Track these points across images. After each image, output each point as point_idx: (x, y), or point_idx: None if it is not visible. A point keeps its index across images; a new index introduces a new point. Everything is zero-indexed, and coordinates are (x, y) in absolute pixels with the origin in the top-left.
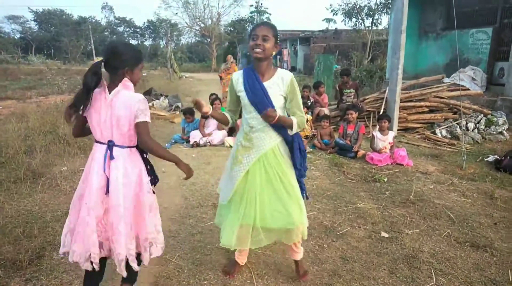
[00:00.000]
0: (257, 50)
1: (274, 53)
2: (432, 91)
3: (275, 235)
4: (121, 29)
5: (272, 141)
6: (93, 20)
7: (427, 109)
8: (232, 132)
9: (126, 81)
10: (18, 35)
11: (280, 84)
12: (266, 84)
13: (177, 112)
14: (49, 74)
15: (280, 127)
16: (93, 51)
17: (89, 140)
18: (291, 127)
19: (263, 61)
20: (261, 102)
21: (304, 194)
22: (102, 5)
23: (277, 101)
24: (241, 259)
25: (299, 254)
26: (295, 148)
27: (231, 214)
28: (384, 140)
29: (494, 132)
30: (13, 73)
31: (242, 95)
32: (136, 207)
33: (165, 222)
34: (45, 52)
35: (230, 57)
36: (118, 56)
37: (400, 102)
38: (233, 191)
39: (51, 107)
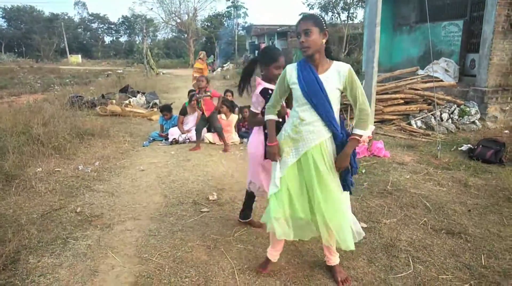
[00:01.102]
0: (304, 48)
1: (324, 41)
2: (407, 83)
3: (317, 230)
4: (95, 25)
5: (321, 136)
6: (66, 17)
7: (403, 101)
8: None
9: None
10: None
11: (336, 77)
12: (321, 76)
13: (155, 109)
14: (21, 73)
15: (331, 122)
16: (67, 49)
17: (63, 140)
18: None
19: (314, 55)
20: (316, 95)
21: (349, 190)
22: (75, 1)
23: (333, 95)
24: (275, 256)
25: (332, 259)
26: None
27: (283, 205)
28: None
29: (467, 122)
30: None
31: (296, 87)
32: None
33: (145, 221)
34: (16, 50)
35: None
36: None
37: (376, 94)
38: (280, 182)
39: (24, 107)
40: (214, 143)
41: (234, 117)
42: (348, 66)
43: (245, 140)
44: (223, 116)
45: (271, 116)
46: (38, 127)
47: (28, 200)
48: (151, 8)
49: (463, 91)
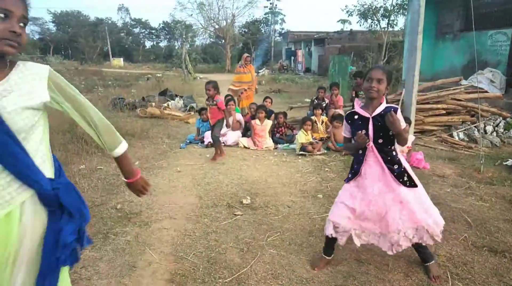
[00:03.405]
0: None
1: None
2: (450, 93)
3: None
4: (136, 30)
5: (9, 201)
6: (110, 22)
7: (444, 112)
8: (246, 132)
9: None
10: (37, 36)
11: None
12: None
13: (192, 113)
14: (67, 75)
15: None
16: (109, 52)
17: None
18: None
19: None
20: None
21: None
22: (118, 6)
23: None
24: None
25: None
26: None
27: None
28: None
29: None
30: None
31: None
32: None
33: (181, 221)
34: (63, 53)
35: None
36: None
37: (417, 104)
38: None
39: None
40: (248, 148)
41: (268, 123)
42: (47, 66)
43: (279, 145)
44: (257, 121)
45: None
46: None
47: None
48: (191, 14)
49: (510, 103)
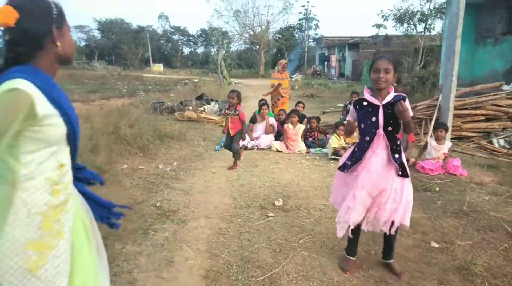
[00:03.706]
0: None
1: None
2: (489, 98)
3: None
4: (175, 37)
5: None
6: (151, 29)
7: (483, 118)
8: (279, 136)
9: None
10: (83, 43)
11: None
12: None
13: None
14: (111, 79)
15: None
16: (150, 58)
17: (147, 141)
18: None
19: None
20: None
21: None
22: (159, 14)
23: None
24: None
25: None
26: None
27: None
28: (439, 149)
29: None
30: (79, 78)
31: None
32: None
33: (215, 220)
34: (106, 58)
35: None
36: None
37: (454, 109)
38: None
39: (113, 110)
40: (281, 151)
41: (301, 127)
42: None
43: (311, 149)
44: (290, 125)
45: None
46: (125, 128)
47: (115, 192)
48: (227, 22)
49: None
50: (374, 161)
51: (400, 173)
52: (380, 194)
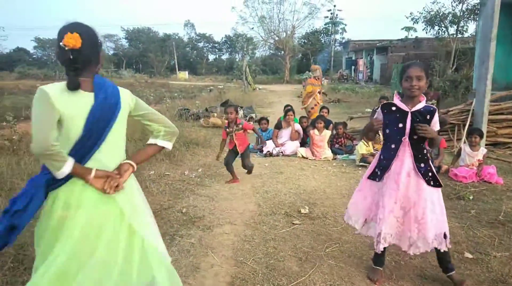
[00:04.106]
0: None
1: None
2: None
3: None
4: (201, 44)
5: None
6: (177, 37)
7: None
8: (304, 143)
9: None
10: (111, 52)
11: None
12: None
13: (251, 123)
14: (138, 87)
15: None
16: (176, 66)
17: (173, 148)
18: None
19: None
20: None
21: None
22: (185, 22)
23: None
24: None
25: None
26: None
27: None
28: (474, 156)
29: None
30: None
31: None
32: None
33: (240, 227)
34: (134, 66)
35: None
36: None
37: (489, 114)
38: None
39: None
40: (307, 158)
41: (327, 133)
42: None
43: (338, 156)
44: (316, 131)
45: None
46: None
47: None
48: (252, 28)
49: None
50: (401, 170)
51: (432, 183)
52: (414, 207)
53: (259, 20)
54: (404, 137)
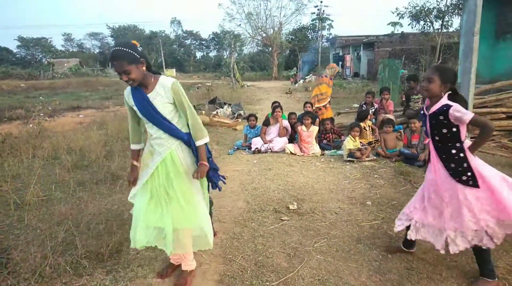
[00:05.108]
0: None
1: (142, 68)
2: (510, 96)
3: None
4: (188, 41)
5: (168, 147)
6: (163, 34)
7: (504, 116)
8: (293, 139)
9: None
10: (97, 50)
11: (163, 93)
12: (149, 96)
13: (240, 120)
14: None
15: (173, 133)
16: (163, 63)
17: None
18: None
19: (136, 81)
20: (148, 113)
21: (216, 187)
22: (171, 19)
23: (165, 109)
24: (174, 260)
25: (188, 264)
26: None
27: (143, 213)
28: None
29: None
30: (93, 85)
31: (135, 109)
32: None
33: (229, 224)
34: None
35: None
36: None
37: (474, 108)
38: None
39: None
40: (295, 154)
41: (314, 129)
42: (172, 80)
43: (326, 152)
44: (303, 127)
45: (133, 146)
46: None
47: None
48: (240, 24)
49: None
50: (431, 168)
51: (459, 181)
52: (447, 206)
53: (246, 16)
54: (427, 140)
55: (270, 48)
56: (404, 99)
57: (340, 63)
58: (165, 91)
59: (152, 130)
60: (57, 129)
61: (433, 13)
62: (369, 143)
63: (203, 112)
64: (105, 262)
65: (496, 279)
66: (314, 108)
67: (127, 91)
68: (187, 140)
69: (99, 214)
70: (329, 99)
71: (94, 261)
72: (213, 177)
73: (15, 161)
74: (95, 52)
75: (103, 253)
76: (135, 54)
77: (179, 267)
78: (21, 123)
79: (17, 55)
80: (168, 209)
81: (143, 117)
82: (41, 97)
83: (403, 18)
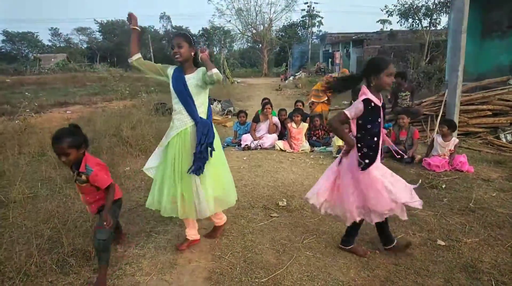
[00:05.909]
0: (175, 56)
1: (192, 54)
2: (496, 93)
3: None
4: None
5: (185, 123)
6: (152, 30)
7: (490, 113)
8: (282, 136)
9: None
10: (85, 45)
11: (196, 77)
12: (186, 77)
13: (229, 116)
14: (113, 81)
15: (192, 113)
16: (152, 59)
17: (149, 143)
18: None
19: (184, 62)
20: (180, 90)
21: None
22: (160, 15)
23: (194, 90)
24: (191, 235)
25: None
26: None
27: (164, 184)
28: (445, 146)
29: None
30: (81, 81)
31: (170, 82)
32: None
33: None
34: (108, 60)
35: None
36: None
37: (461, 105)
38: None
39: (115, 112)
40: (285, 151)
41: (304, 126)
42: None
43: (315, 148)
44: (293, 124)
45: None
46: (127, 131)
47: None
48: (229, 20)
49: None
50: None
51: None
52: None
53: (236, 12)
54: (383, 130)
55: (260, 45)
56: (391, 96)
57: (330, 60)
58: (198, 75)
59: (177, 105)
60: (43, 125)
61: (422, 11)
62: None
63: None
64: (92, 260)
65: (352, 245)
66: (309, 102)
67: (171, 67)
68: (197, 121)
69: (86, 212)
70: (326, 98)
71: (80, 259)
72: (198, 161)
73: (0, 158)
74: (82, 47)
75: (90, 251)
76: (192, 40)
77: (195, 242)
78: (7, 119)
79: (3, 50)
80: (182, 178)
81: (175, 91)
82: (27, 93)
83: (392, 15)
